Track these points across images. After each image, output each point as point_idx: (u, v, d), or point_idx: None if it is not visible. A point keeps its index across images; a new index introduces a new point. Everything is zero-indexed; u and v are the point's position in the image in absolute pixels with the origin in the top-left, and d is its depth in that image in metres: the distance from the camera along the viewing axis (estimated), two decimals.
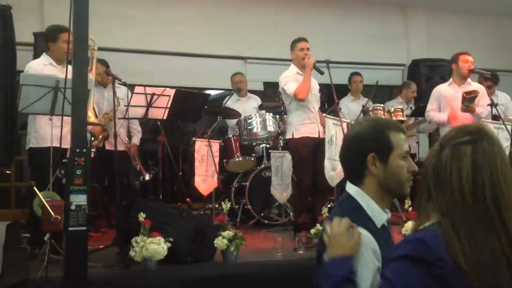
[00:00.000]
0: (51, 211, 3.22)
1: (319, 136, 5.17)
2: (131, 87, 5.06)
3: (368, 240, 1.65)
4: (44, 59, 4.56)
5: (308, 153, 5.13)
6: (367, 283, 1.59)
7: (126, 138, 5.35)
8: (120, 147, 5.35)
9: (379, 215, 1.76)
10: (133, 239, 3.73)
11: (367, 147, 1.76)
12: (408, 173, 1.77)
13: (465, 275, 1.40)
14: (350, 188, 1.80)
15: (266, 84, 7.57)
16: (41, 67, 4.44)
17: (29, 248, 4.21)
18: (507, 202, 1.44)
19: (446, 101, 5.46)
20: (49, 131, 4.01)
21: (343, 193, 1.84)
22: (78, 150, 3.19)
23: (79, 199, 3.16)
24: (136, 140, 5.77)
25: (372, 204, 1.76)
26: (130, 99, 4.87)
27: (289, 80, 5.17)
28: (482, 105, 5.35)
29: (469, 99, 5.20)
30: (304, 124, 5.18)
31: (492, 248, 1.41)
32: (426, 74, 7.64)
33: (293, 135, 5.21)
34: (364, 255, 1.63)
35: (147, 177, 5.41)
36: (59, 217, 3.19)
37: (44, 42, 5.80)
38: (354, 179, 1.80)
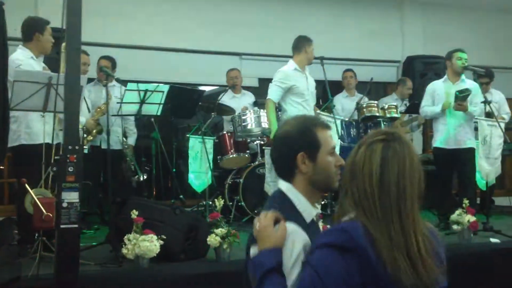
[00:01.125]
0: (42, 209, 3.21)
1: None
2: (124, 83, 5.04)
3: (298, 234, 1.71)
4: (25, 52, 4.34)
5: None
6: (294, 275, 1.64)
7: (124, 139, 5.32)
8: (116, 146, 5.34)
9: (309, 210, 1.83)
10: (125, 237, 3.72)
11: (296, 146, 1.82)
12: (335, 168, 1.84)
13: (380, 261, 1.50)
14: (282, 184, 1.86)
15: (261, 80, 7.55)
16: (30, 61, 4.33)
17: (19, 246, 4.17)
18: (408, 200, 1.56)
19: (440, 97, 5.47)
20: (42, 128, 3.98)
21: (275, 189, 1.90)
22: (70, 147, 3.17)
23: (71, 197, 3.14)
24: (131, 141, 5.77)
25: (302, 200, 1.83)
26: (123, 95, 4.85)
27: (278, 83, 5.21)
28: (475, 103, 5.35)
29: (461, 98, 5.21)
30: None
31: (389, 236, 1.52)
32: (420, 70, 7.64)
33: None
34: (291, 248, 1.68)
35: (141, 178, 5.40)
36: (51, 215, 3.17)
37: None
38: (285, 176, 1.86)
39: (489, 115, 5.43)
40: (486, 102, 5.27)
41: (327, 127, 1.88)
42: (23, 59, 4.26)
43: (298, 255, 1.68)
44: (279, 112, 5.80)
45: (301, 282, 1.57)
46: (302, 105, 5.23)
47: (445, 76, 5.59)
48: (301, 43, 5.31)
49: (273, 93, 5.23)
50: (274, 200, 1.85)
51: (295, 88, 5.22)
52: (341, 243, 1.52)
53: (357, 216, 1.57)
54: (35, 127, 4.23)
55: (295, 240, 1.69)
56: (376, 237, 1.52)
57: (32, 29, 4.41)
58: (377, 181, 1.56)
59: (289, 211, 1.78)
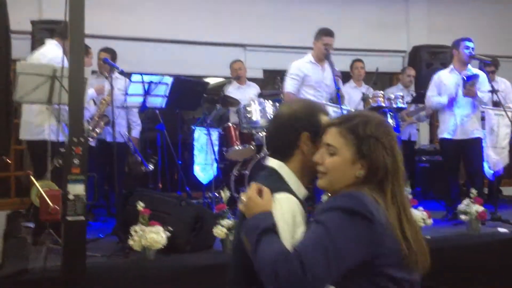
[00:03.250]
0: (48, 201, 3.21)
1: None
2: (128, 75, 5.03)
3: (289, 198, 1.73)
4: (60, 50, 4.39)
5: None
6: (297, 234, 1.66)
7: (126, 133, 5.33)
8: (121, 138, 5.34)
9: (301, 190, 1.84)
10: (132, 228, 3.72)
11: (302, 125, 1.84)
12: None
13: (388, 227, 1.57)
14: (273, 162, 1.87)
15: (266, 71, 7.52)
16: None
17: (32, 238, 4.20)
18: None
19: (446, 87, 5.43)
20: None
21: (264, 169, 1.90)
22: (75, 140, 3.17)
23: (77, 189, 3.14)
24: (135, 133, 5.77)
25: (294, 179, 1.84)
26: (128, 87, 4.84)
27: (293, 75, 5.23)
28: (483, 91, 5.31)
29: (470, 82, 5.15)
30: None
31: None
32: (426, 60, 7.58)
33: None
34: (290, 215, 1.69)
35: (150, 167, 5.40)
36: (57, 207, 3.18)
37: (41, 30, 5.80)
38: (280, 155, 1.86)
39: (496, 104, 5.39)
40: (493, 91, 5.23)
41: (328, 115, 1.90)
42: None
43: (293, 215, 1.70)
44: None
45: (309, 236, 1.55)
46: (315, 97, 5.23)
47: (451, 66, 5.54)
48: (314, 37, 5.30)
49: (289, 85, 5.26)
50: (265, 178, 1.84)
51: (307, 80, 5.25)
52: (353, 207, 1.54)
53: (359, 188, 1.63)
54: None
55: (286, 203, 1.71)
56: (380, 204, 1.58)
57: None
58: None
59: (281, 185, 1.78)
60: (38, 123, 4.34)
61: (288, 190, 1.78)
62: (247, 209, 1.70)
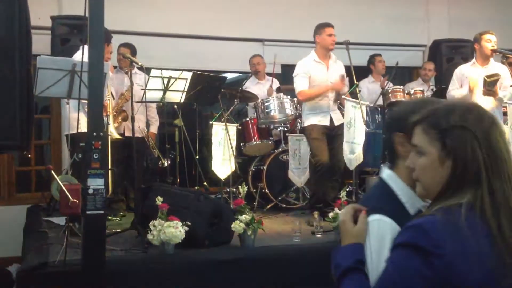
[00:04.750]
0: (68, 195, 3.24)
1: (330, 124, 5.21)
2: (147, 70, 5.04)
3: (388, 228, 1.53)
4: None
5: (319, 134, 5.19)
6: (378, 271, 1.46)
7: (145, 128, 5.36)
8: (138, 134, 5.37)
9: (413, 201, 1.60)
10: (150, 223, 3.73)
11: (395, 125, 1.67)
12: None
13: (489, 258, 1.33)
14: (383, 172, 1.70)
15: (284, 66, 7.48)
16: None
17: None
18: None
19: (468, 81, 5.34)
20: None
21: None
22: (95, 134, 3.19)
23: (97, 183, 3.16)
24: (154, 128, 5.80)
25: (405, 189, 1.62)
26: (147, 82, 4.86)
27: (301, 74, 5.25)
28: (504, 87, 5.22)
29: (490, 83, 5.07)
30: (314, 113, 5.23)
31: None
32: (447, 55, 7.47)
33: (304, 123, 5.38)
34: (377, 242, 1.52)
35: (165, 163, 5.42)
36: (77, 201, 3.20)
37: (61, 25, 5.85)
38: (390, 161, 1.70)
39: None
40: None
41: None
42: None
43: (380, 239, 1.52)
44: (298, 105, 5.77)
45: (378, 279, 1.43)
46: (319, 97, 5.25)
47: (473, 60, 5.46)
48: (314, 34, 5.31)
49: (300, 84, 5.27)
50: (374, 190, 1.70)
51: (312, 80, 5.27)
52: (416, 242, 1.36)
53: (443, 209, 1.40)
54: None
55: (376, 228, 1.53)
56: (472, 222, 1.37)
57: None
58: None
59: (387, 201, 1.60)
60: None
61: (386, 209, 1.57)
62: (341, 233, 1.58)
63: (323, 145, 5.24)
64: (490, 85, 5.08)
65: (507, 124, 5.26)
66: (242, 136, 6.11)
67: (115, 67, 5.69)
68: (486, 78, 5.10)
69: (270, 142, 6.13)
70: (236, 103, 6.15)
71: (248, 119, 6.19)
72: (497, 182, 1.40)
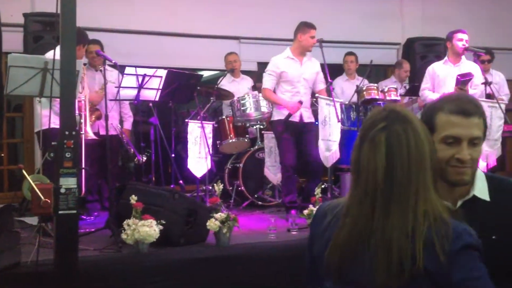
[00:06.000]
0: (40, 195, 3.20)
1: (300, 120, 5.21)
2: (122, 68, 5.00)
3: None
4: None
5: (286, 134, 5.17)
6: None
7: (119, 125, 5.30)
8: (113, 132, 5.32)
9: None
10: (124, 222, 3.71)
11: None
12: (450, 159, 1.62)
13: None
14: None
15: (260, 64, 7.49)
16: None
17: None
18: (422, 175, 1.43)
19: (440, 79, 5.43)
20: None
21: None
22: (67, 133, 3.15)
23: (69, 182, 3.13)
24: (127, 125, 5.75)
25: None
26: (121, 80, 4.82)
27: (270, 72, 5.29)
28: (476, 84, 5.32)
29: (463, 82, 5.16)
30: (283, 108, 5.23)
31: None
32: (421, 52, 7.57)
33: (273, 117, 5.38)
34: None
35: (142, 160, 5.39)
36: (49, 201, 3.16)
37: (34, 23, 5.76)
38: None
39: (489, 96, 5.39)
40: (486, 83, 5.23)
41: (456, 113, 1.62)
42: None
43: None
44: None
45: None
46: (291, 93, 5.26)
47: (446, 58, 5.55)
48: (296, 30, 5.32)
49: (267, 82, 5.31)
50: None
51: (284, 76, 5.27)
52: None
53: None
54: None
55: None
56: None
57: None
58: (383, 174, 1.43)
59: None
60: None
61: None
62: None
63: (290, 146, 5.22)
64: (463, 85, 5.16)
65: None
66: (218, 134, 6.11)
67: (84, 64, 5.61)
68: (459, 77, 5.18)
69: (246, 140, 6.14)
70: (212, 101, 6.14)
71: (224, 117, 6.19)
72: None
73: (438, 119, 1.63)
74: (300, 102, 5.17)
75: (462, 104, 1.63)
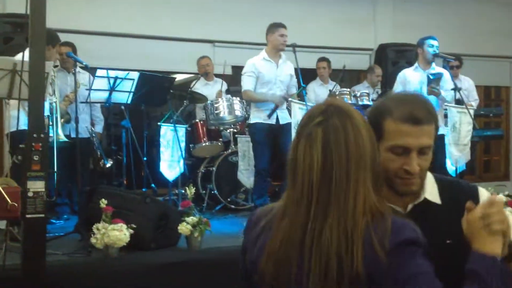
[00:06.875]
0: (7, 198, 3.14)
1: (276, 123, 5.23)
2: (93, 70, 4.94)
3: None
4: None
5: (262, 137, 5.18)
6: None
7: (91, 127, 5.24)
8: (85, 134, 5.26)
9: None
10: (94, 226, 3.67)
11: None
12: (398, 170, 1.49)
13: None
14: None
15: (234, 68, 7.49)
16: None
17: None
18: (361, 174, 1.33)
19: (411, 85, 5.51)
20: None
21: None
22: (35, 135, 3.11)
23: (37, 186, 3.09)
24: (99, 128, 5.68)
25: None
26: (92, 82, 4.76)
27: (248, 73, 5.28)
28: (446, 90, 5.41)
29: (435, 81, 5.25)
30: (260, 109, 5.25)
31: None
32: (392, 58, 7.68)
33: (250, 120, 5.36)
34: None
35: (108, 164, 5.32)
36: (16, 204, 3.11)
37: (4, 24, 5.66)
38: None
39: (458, 102, 5.49)
40: (456, 89, 5.33)
41: (406, 121, 1.47)
42: None
43: None
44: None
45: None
46: (267, 94, 5.28)
47: (416, 64, 5.64)
48: (266, 32, 5.35)
49: (247, 83, 5.29)
50: None
51: (261, 77, 5.28)
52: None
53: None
54: None
55: None
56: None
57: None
58: (319, 171, 1.32)
59: None
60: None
61: None
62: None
63: (265, 149, 5.22)
64: (435, 84, 5.25)
65: (447, 126, 5.45)
66: (192, 137, 6.08)
67: (55, 66, 5.54)
68: (430, 76, 5.27)
69: (219, 144, 6.13)
70: (185, 104, 6.12)
71: (197, 120, 6.17)
72: None
73: (386, 125, 1.49)
74: (284, 98, 5.21)
75: (413, 110, 1.48)
